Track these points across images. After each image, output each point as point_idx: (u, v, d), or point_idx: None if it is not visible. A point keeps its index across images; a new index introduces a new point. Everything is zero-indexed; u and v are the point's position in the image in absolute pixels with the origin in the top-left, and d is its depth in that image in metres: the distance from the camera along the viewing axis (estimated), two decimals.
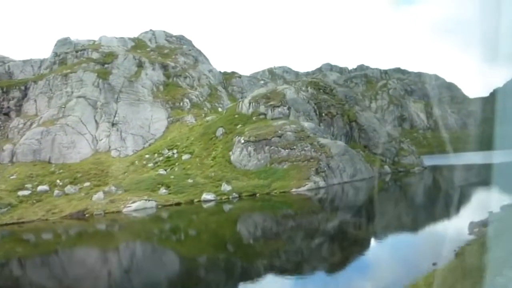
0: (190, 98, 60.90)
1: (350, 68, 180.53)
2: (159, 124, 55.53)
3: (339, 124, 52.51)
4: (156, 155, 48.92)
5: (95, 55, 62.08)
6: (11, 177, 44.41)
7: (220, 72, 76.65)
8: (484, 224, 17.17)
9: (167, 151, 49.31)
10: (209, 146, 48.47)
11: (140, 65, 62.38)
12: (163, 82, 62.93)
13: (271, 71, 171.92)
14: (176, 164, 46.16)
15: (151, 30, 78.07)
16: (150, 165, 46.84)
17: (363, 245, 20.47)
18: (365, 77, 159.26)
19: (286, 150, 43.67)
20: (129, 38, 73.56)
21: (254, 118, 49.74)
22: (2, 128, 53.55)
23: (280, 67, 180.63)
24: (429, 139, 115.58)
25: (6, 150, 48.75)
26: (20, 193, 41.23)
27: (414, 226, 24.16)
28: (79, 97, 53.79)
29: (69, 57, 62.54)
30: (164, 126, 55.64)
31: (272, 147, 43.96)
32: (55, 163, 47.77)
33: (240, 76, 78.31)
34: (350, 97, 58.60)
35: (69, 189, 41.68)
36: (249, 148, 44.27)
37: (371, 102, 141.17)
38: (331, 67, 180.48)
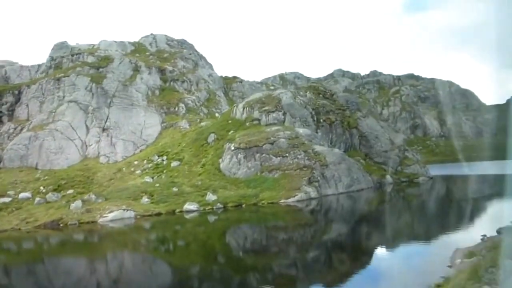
0: (186, 103, 59.06)
1: (362, 74, 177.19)
2: (152, 130, 53.75)
3: (338, 130, 49.83)
4: (145, 161, 47.06)
5: (90, 59, 60.90)
6: None
7: (221, 76, 74.78)
8: (473, 252, 14.46)
9: (157, 157, 47.41)
10: (200, 153, 46.39)
11: (136, 69, 60.92)
12: (159, 86, 61.31)
13: (282, 77, 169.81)
14: (164, 171, 44.17)
15: (152, 34, 76.81)
16: (138, 172, 44.95)
17: (360, 261, 18.53)
18: (378, 83, 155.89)
19: (278, 158, 41.26)
20: (129, 42, 72.39)
21: (247, 123, 47.51)
22: None
23: (291, 72, 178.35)
24: (442, 147, 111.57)
25: None
26: (1, 200, 39.74)
27: (410, 243, 21.86)
28: (71, 101, 52.46)
29: (64, 61, 61.52)
30: (157, 132, 53.85)
31: (264, 155, 41.61)
32: (42, 169, 46.34)
33: (241, 81, 76.26)
34: (352, 102, 55.86)
35: (50, 196, 40.01)
36: (239, 156, 42.00)
37: (383, 108, 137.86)
38: (343, 73, 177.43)
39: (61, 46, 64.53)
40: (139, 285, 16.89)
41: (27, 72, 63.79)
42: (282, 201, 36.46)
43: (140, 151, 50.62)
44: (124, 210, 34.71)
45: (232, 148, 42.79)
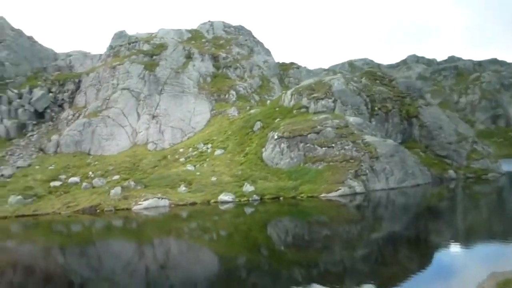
0: (237, 90, 57.72)
1: (439, 60, 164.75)
2: (201, 117, 53.15)
3: (395, 120, 45.51)
4: (190, 149, 46.51)
5: (146, 47, 61.66)
6: (49, 168, 44.97)
7: (277, 63, 72.41)
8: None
9: (202, 145, 46.65)
10: (244, 142, 44.83)
11: (189, 56, 60.65)
12: (212, 73, 60.54)
13: (351, 64, 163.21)
14: (207, 160, 43.26)
15: (209, 21, 76.26)
16: (182, 159, 44.50)
17: (416, 262, 16.37)
18: (455, 69, 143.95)
19: (323, 149, 38.41)
20: (187, 30, 72.41)
21: (295, 111, 44.96)
22: (55, 119, 55.10)
23: (361, 59, 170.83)
24: None
25: (52, 141, 49.76)
26: (52, 183, 41.33)
27: (473, 246, 18.93)
28: (124, 89, 53.40)
29: (122, 49, 62.92)
30: (206, 119, 53.15)
31: (308, 145, 38.96)
32: (94, 155, 47.67)
33: (298, 67, 73.28)
34: (414, 89, 50.79)
35: (96, 182, 40.84)
36: (282, 145, 39.75)
37: (460, 97, 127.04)
38: (417, 59, 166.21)
39: (120, 35, 66.13)
40: (187, 271, 16.25)
41: (89, 61, 66.31)
42: (323, 195, 33.75)
43: (188, 138, 50.25)
44: (158, 198, 34.21)
45: (276, 137, 40.64)
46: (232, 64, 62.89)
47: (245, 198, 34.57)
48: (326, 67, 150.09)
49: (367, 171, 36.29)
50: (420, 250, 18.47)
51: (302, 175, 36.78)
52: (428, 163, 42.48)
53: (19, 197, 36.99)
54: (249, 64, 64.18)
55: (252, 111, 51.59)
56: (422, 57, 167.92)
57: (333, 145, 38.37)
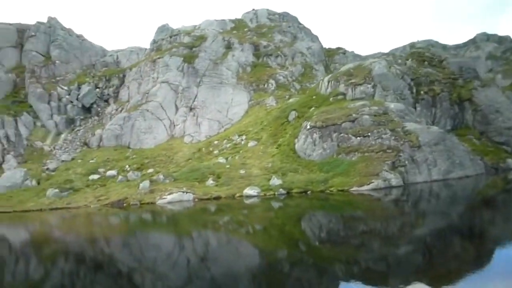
0: (277, 79, 55.82)
1: None
2: (239, 108, 52.06)
3: (444, 104, 41.26)
4: (225, 141, 45.63)
5: (186, 39, 61.57)
6: (91, 161, 46.33)
7: (323, 48, 69.20)
8: None
9: (237, 137, 45.59)
10: (278, 132, 43.06)
11: (228, 47, 59.65)
12: (251, 63, 59.10)
13: (412, 46, 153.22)
14: (240, 152, 42.09)
15: (253, 9, 74.71)
16: (216, 152, 43.76)
17: (471, 261, 13.93)
18: None
19: (358, 138, 35.64)
20: (230, 20, 71.48)
21: (331, 99, 42.32)
22: (100, 114, 56.83)
23: (424, 40, 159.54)
24: None
25: (96, 135, 51.29)
26: (91, 177, 42.44)
27: None
28: (163, 82, 53.65)
29: (164, 43, 63.38)
30: (244, 110, 51.97)
31: (342, 134, 36.36)
32: (133, 149, 48.40)
33: (344, 52, 69.56)
34: (468, 69, 45.66)
35: (131, 175, 41.30)
36: (314, 135, 37.49)
37: None
38: (488, 37, 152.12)
39: (163, 29, 66.73)
40: (228, 264, 15.58)
41: (135, 56, 67.68)
42: (354, 188, 31.20)
43: (225, 130, 49.41)
44: (183, 192, 33.63)
45: (308, 127, 38.44)
46: (273, 52, 60.98)
47: (271, 192, 32.96)
48: (386, 51, 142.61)
49: (406, 162, 33.07)
50: (475, 248, 15.63)
51: (334, 167, 34.39)
52: (482, 151, 38.10)
53: (56, 190, 38.31)
54: (291, 51, 61.88)
55: (290, 100, 49.55)
56: (494, 35, 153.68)
57: (369, 134, 35.45)
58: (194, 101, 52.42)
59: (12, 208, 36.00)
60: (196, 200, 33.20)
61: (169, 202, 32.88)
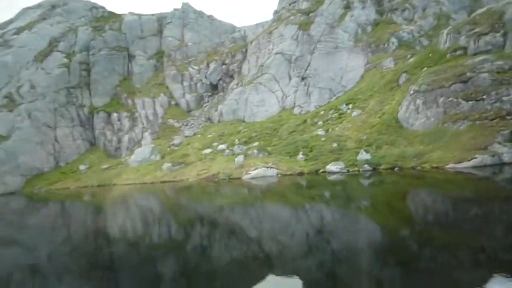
0: (400, 36, 49.37)
1: None
2: (353, 74, 48.14)
3: None
4: (331, 111, 43.04)
5: (304, 5, 59.12)
6: (208, 136, 49.48)
7: None
8: None
9: (344, 106, 42.47)
10: (386, 99, 38.42)
11: (347, 7, 55.00)
12: (373, 21, 53.47)
13: None
14: (343, 122, 39.21)
15: None
16: (320, 123, 41.73)
17: None
18: None
19: (470, 103, 29.23)
20: None
21: (448, 55, 35.46)
22: (225, 89, 59.86)
23: None
24: None
25: (218, 110, 54.38)
26: (204, 151, 45.42)
27: None
28: (277, 53, 53.03)
29: (283, 12, 62.18)
30: (358, 76, 47.82)
31: (450, 99, 30.36)
32: (246, 122, 49.73)
33: None
34: None
35: (236, 149, 42.65)
36: (418, 101, 32.21)
37: None
38: None
39: None
40: (347, 237, 14.43)
41: (260, 29, 68.33)
42: (450, 165, 25.96)
43: (336, 99, 46.48)
44: (267, 168, 33.22)
45: (412, 91, 33.19)
46: (400, 5, 53.91)
47: (355, 168, 29.92)
48: None
49: None
50: None
51: (436, 139, 29.20)
52: None
53: (170, 164, 42.22)
54: (423, 1, 53.64)
55: (411, 59, 43.43)
56: None
57: (484, 97, 28.71)
58: (306, 70, 50.51)
59: (133, 180, 41.24)
60: (279, 176, 32.44)
61: (253, 178, 32.99)
